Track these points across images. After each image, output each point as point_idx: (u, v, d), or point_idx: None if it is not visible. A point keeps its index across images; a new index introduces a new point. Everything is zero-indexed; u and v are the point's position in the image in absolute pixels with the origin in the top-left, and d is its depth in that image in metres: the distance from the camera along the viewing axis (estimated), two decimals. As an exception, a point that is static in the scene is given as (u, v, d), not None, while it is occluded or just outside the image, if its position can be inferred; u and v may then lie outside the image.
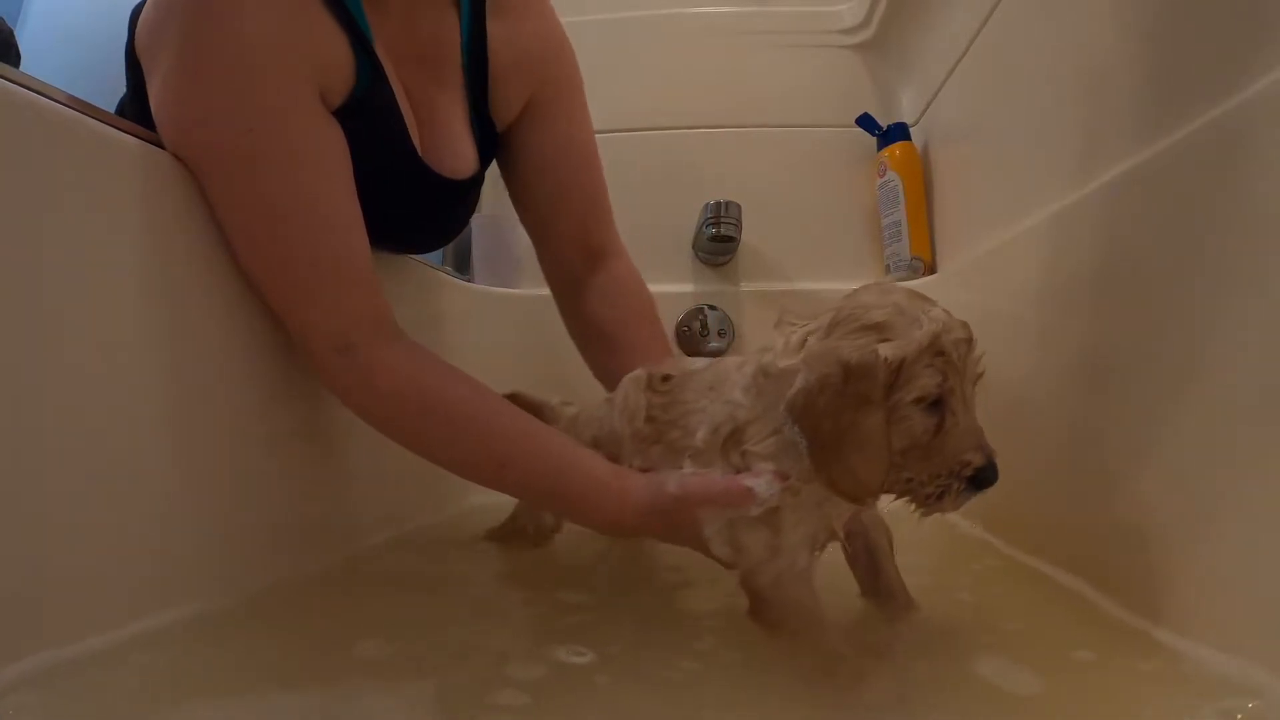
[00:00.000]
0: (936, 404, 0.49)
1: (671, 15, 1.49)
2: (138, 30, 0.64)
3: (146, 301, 0.56)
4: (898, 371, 0.48)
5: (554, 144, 0.86)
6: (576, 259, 0.87)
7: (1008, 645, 0.54)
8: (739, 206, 1.32)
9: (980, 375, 0.51)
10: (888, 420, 0.48)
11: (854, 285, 0.56)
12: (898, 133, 1.34)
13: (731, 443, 0.55)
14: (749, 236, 1.35)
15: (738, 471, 0.54)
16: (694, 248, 1.40)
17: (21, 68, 1.97)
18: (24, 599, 0.45)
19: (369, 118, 0.68)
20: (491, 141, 0.85)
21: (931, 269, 1.26)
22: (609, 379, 0.79)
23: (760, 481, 0.52)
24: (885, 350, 0.48)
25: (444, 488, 1.00)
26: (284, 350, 0.67)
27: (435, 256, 1.26)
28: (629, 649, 0.54)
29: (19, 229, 0.46)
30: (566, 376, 1.34)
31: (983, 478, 0.50)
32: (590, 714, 0.46)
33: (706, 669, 0.51)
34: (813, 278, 1.37)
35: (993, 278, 0.95)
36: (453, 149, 0.79)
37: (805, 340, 0.52)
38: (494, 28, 0.80)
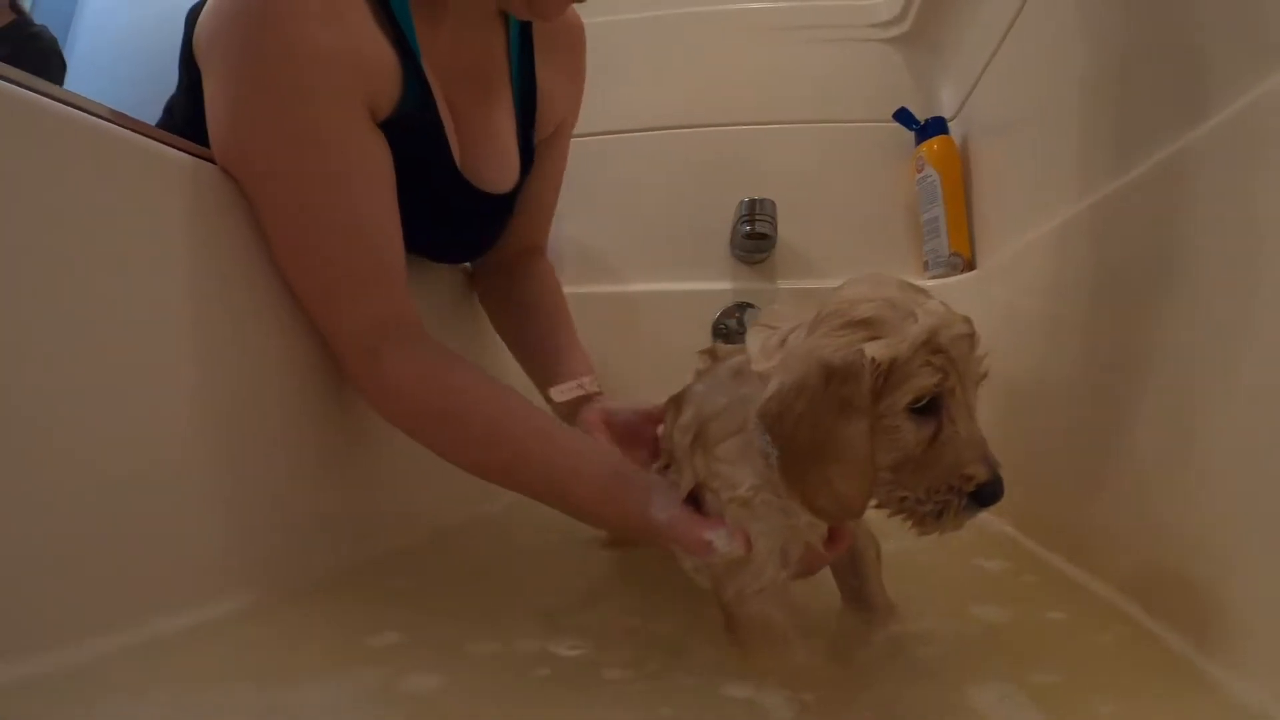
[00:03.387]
0: (931, 410, 0.44)
1: (706, 12, 1.49)
2: (196, 33, 0.66)
3: (194, 307, 0.57)
4: (888, 374, 0.43)
5: (544, 173, 0.92)
6: (515, 254, 0.96)
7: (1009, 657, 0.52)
8: (773, 204, 1.32)
9: (984, 376, 0.47)
10: (873, 429, 0.44)
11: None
12: (936, 127, 1.32)
13: (697, 444, 0.53)
14: (786, 233, 1.35)
15: (701, 479, 0.53)
16: (731, 245, 1.40)
17: (73, 77, 2.04)
18: (67, 591, 0.46)
19: (413, 132, 0.69)
20: (530, 158, 0.87)
21: (971, 265, 1.24)
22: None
23: (719, 534, 0.51)
24: (873, 350, 0.43)
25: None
26: (326, 354, 0.68)
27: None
28: (650, 655, 0.53)
29: (73, 242, 0.48)
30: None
31: (987, 493, 0.45)
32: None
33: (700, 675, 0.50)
34: (850, 275, 1.35)
35: (1033, 273, 0.94)
36: (495, 163, 0.81)
37: (785, 341, 0.48)
38: (541, 58, 0.84)
